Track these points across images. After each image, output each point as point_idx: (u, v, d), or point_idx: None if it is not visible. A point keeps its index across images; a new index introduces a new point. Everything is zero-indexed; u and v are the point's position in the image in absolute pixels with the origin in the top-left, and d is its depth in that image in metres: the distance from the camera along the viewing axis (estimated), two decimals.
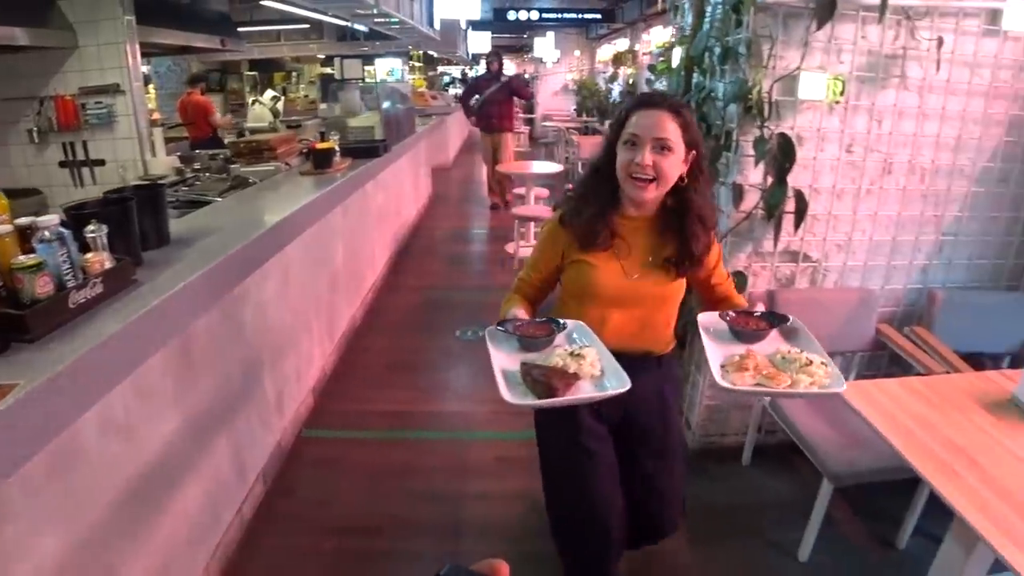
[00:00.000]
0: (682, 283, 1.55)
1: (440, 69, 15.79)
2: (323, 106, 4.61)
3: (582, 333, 1.40)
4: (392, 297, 4.43)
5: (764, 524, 2.28)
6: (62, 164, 3.47)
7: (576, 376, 1.20)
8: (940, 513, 1.43)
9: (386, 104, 3.87)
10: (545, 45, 13.07)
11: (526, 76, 11.81)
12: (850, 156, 2.39)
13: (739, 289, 1.86)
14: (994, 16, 2.30)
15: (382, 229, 4.68)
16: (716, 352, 1.33)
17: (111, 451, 1.54)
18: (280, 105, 5.31)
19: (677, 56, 2.64)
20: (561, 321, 1.39)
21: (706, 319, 1.46)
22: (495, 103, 6.54)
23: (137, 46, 3.23)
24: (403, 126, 4.56)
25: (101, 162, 3.39)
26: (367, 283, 4.14)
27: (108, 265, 1.49)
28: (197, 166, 3.26)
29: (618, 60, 10.81)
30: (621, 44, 11.44)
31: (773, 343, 1.39)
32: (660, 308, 1.56)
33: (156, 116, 5.70)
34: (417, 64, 12.26)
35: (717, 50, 2.31)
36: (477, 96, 6.67)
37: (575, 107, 12.51)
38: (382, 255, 4.72)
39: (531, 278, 1.57)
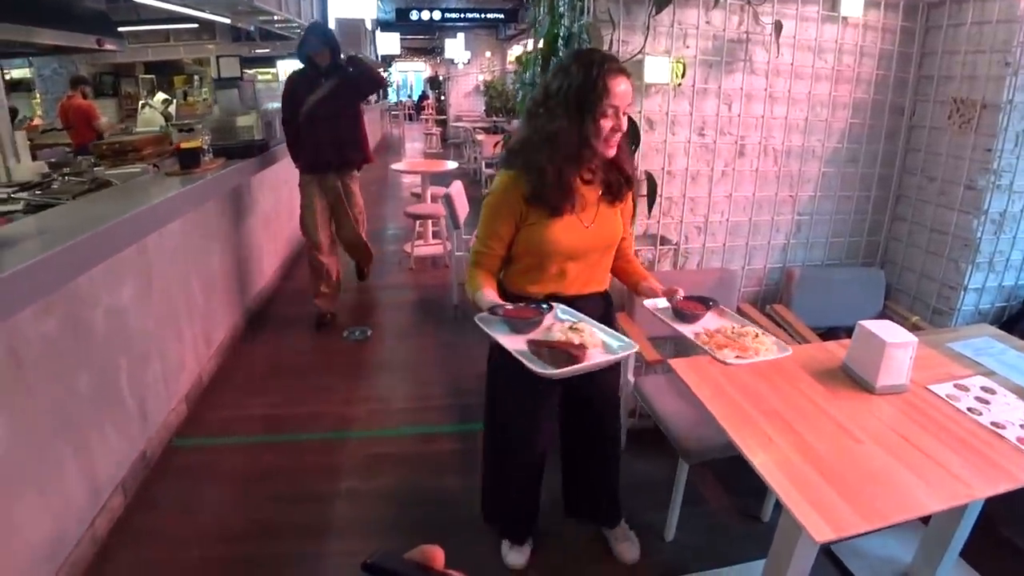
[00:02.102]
0: (619, 224, 1.68)
1: None
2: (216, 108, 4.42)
3: (566, 311, 1.48)
4: (282, 301, 4.23)
5: (636, 506, 2.24)
6: None
7: (583, 346, 1.29)
8: None
9: (269, 104, 3.70)
10: (456, 46, 12.65)
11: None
12: (702, 139, 2.38)
13: None
14: (833, 2, 2.34)
15: (272, 233, 4.45)
16: (686, 330, 1.52)
17: None
18: (173, 108, 5.04)
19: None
20: (545, 304, 1.47)
21: (652, 304, 1.64)
22: (332, 118, 3.49)
23: None
24: None
25: None
26: (254, 288, 3.94)
27: None
28: (67, 171, 3.04)
29: (520, 60, 10.68)
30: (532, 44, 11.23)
31: (708, 322, 1.59)
32: (606, 252, 1.70)
33: (37, 121, 5.34)
34: None
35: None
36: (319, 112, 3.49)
37: (485, 108, 12.35)
38: (273, 260, 4.49)
39: (494, 249, 1.62)
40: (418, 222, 4.86)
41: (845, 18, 2.36)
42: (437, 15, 9.88)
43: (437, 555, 0.43)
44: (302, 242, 5.33)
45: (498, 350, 1.68)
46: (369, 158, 3.88)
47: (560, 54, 2.35)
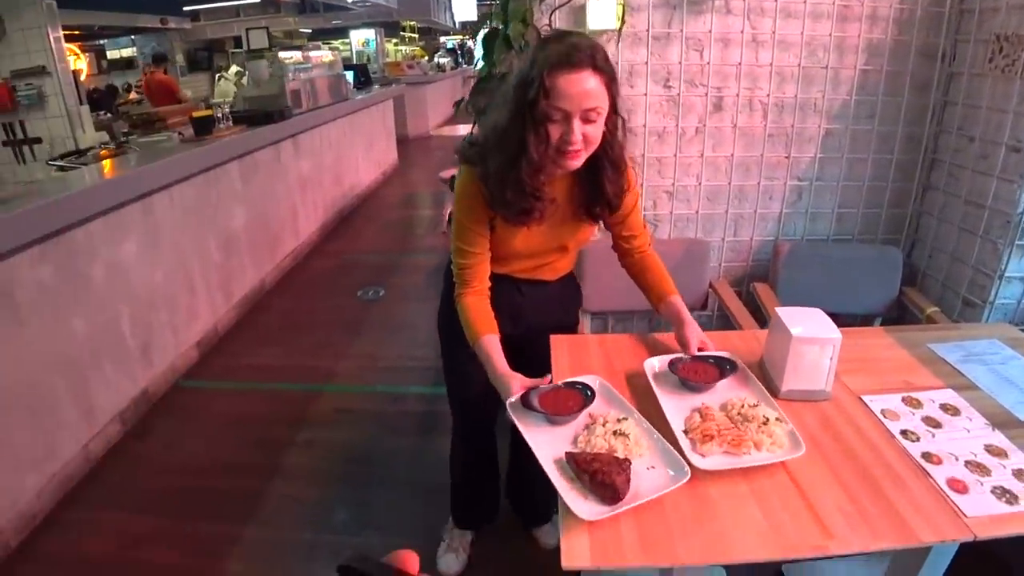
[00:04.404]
0: (592, 228, 1.36)
1: (443, 39, 14.93)
2: None
3: (604, 390, 1.19)
4: (314, 261, 4.22)
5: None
6: (4, 144, 3.50)
7: (627, 461, 1.00)
8: None
9: (295, 73, 3.63)
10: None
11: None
12: (668, 91, 1.95)
13: None
14: None
15: (310, 196, 4.41)
16: (675, 418, 1.12)
17: None
18: (245, 79, 5.17)
19: None
20: (588, 388, 1.16)
21: (653, 366, 1.26)
22: None
23: (60, 29, 3.17)
24: (320, 93, 4.28)
25: (38, 140, 3.39)
26: (285, 248, 3.95)
27: None
28: (122, 139, 3.20)
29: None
30: None
31: (720, 392, 1.22)
32: (565, 253, 1.39)
33: (133, 95, 5.73)
34: (411, 35, 11.56)
35: None
36: None
37: None
38: (310, 222, 4.43)
39: (479, 254, 1.27)
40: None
41: None
42: None
43: (411, 560, 0.40)
44: (346, 206, 5.23)
45: (446, 317, 1.42)
46: None
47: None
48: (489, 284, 1.30)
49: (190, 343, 2.86)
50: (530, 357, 1.32)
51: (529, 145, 1.10)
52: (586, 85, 1.05)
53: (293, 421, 2.44)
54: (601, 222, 1.35)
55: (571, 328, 1.56)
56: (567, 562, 0.87)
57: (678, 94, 1.94)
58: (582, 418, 1.12)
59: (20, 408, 1.95)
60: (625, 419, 1.10)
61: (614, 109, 1.13)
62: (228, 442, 2.34)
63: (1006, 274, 1.81)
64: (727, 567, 1.67)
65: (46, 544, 1.89)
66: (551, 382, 1.19)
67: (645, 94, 1.92)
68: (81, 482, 2.14)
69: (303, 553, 1.81)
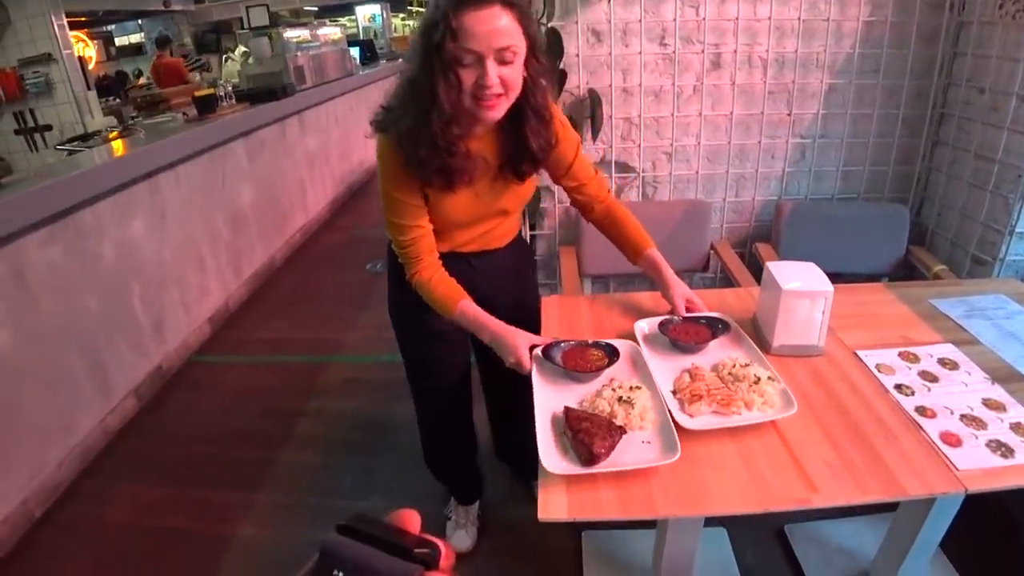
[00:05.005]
0: (531, 185, 1.26)
1: None
2: None
3: (635, 357, 1.16)
4: (323, 237, 4.24)
5: None
6: (17, 132, 3.52)
7: (622, 430, 0.96)
8: None
9: (297, 50, 3.59)
10: None
11: None
12: (664, 49, 1.88)
13: None
14: None
15: (318, 172, 4.38)
16: (665, 379, 1.10)
17: None
18: (252, 60, 5.11)
19: None
20: (615, 350, 1.13)
21: (643, 328, 1.23)
22: None
23: (63, 16, 3.16)
24: (324, 69, 4.23)
25: (49, 127, 3.41)
26: (294, 224, 3.95)
27: None
28: (129, 122, 3.21)
29: None
30: None
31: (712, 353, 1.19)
32: (508, 216, 1.29)
33: (142, 80, 5.73)
34: (418, 9, 11.35)
35: None
36: None
37: None
38: (319, 198, 4.40)
39: (419, 225, 1.17)
40: None
41: None
42: None
43: (413, 519, 0.39)
44: (355, 181, 5.16)
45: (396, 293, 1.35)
46: None
47: None
48: (438, 256, 1.22)
49: (202, 319, 2.89)
50: None
51: (439, 92, 0.99)
52: (496, 23, 0.96)
53: (302, 391, 2.47)
54: (549, 177, 1.28)
55: (533, 291, 1.49)
56: (543, 514, 0.86)
57: (674, 52, 1.87)
58: (604, 379, 1.10)
59: (39, 386, 2.00)
60: (639, 388, 1.06)
61: (533, 52, 1.04)
62: (239, 413, 2.38)
63: (1016, 229, 1.73)
64: (729, 530, 1.68)
65: (67, 513, 1.95)
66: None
67: (640, 53, 1.85)
68: (99, 454, 2.20)
69: (310, 517, 1.84)
